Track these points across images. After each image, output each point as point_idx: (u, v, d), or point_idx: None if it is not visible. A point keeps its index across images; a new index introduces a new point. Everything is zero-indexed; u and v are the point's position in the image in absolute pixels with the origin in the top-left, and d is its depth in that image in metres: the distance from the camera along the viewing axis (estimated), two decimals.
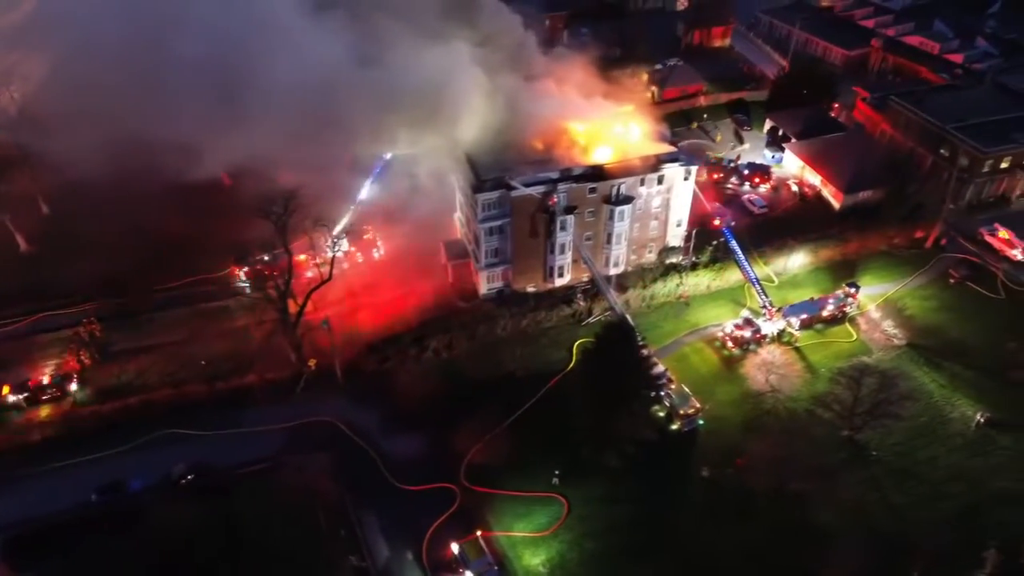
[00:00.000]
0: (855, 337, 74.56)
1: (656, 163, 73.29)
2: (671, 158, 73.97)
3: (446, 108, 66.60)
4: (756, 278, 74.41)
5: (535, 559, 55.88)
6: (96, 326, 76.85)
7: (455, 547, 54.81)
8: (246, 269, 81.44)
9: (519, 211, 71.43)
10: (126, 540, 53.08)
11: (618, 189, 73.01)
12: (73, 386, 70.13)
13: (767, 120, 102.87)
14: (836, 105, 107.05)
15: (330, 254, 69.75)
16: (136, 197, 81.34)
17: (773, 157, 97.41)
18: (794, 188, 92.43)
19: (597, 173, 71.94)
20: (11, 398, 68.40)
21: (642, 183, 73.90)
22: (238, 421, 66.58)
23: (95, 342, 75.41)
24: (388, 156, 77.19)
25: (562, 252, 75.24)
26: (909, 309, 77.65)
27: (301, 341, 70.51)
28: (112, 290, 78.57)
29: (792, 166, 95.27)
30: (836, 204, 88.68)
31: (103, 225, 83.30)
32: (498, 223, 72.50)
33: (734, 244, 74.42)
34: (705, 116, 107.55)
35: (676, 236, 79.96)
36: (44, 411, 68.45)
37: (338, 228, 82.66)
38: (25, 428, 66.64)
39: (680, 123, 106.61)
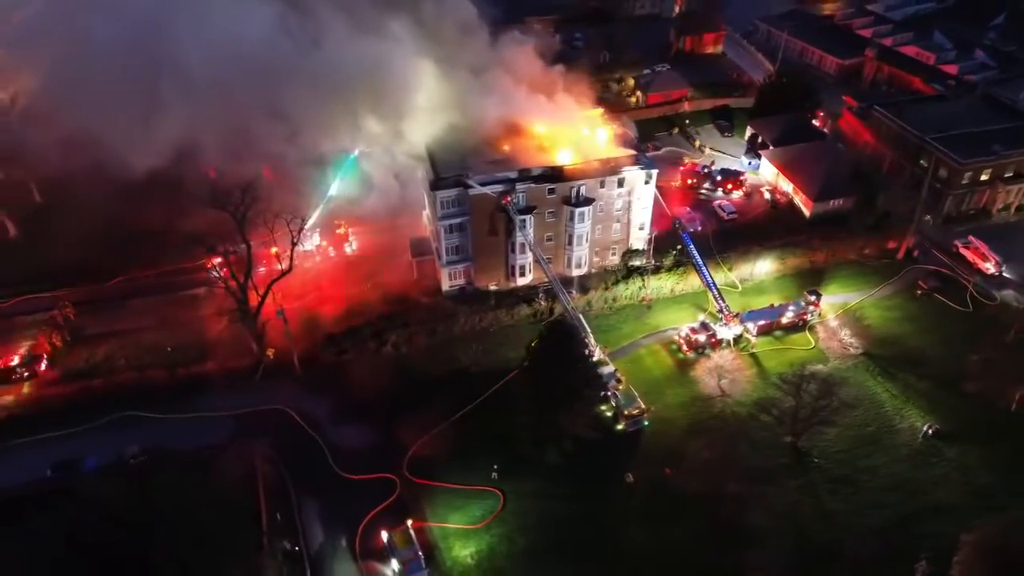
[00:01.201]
0: (813, 345, 74.46)
1: (616, 166, 73.84)
2: (631, 161, 74.44)
3: (385, 98, 67.73)
4: (713, 282, 74.56)
5: (464, 551, 56.79)
6: (70, 310, 79.51)
7: (384, 535, 55.93)
8: (219, 260, 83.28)
9: (478, 210, 72.47)
10: (67, 516, 54.47)
11: (578, 191, 73.74)
12: (42, 367, 72.55)
13: (748, 127, 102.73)
14: (821, 114, 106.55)
15: (290, 246, 71.15)
16: (121, 188, 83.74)
17: (750, 164, 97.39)
18: (766, 195, 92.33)
19: (556, 174, 72.74)
20: None
21: (602, 185, 74.54)
22: (196, 406, 68.41)
23: (68, 325, 77.98)
24: (355, 152, 78.60)
25: (522, 251, 76.02)
26: (869, 319, 77.30)
27: (262, 331, 72.22)
28: (87, 277, 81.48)
29: (768, 173, 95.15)
30: (807, 212, 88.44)
31: (89, 214, 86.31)
32: (458, 221, 73.62)
33: (692, 248, 74.63)
34: (688, 122, 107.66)
35: (639, 239, 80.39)
36: (12, 390, 70.96)
37: (309, 222, 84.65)
38: None
39: (663, 128, 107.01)
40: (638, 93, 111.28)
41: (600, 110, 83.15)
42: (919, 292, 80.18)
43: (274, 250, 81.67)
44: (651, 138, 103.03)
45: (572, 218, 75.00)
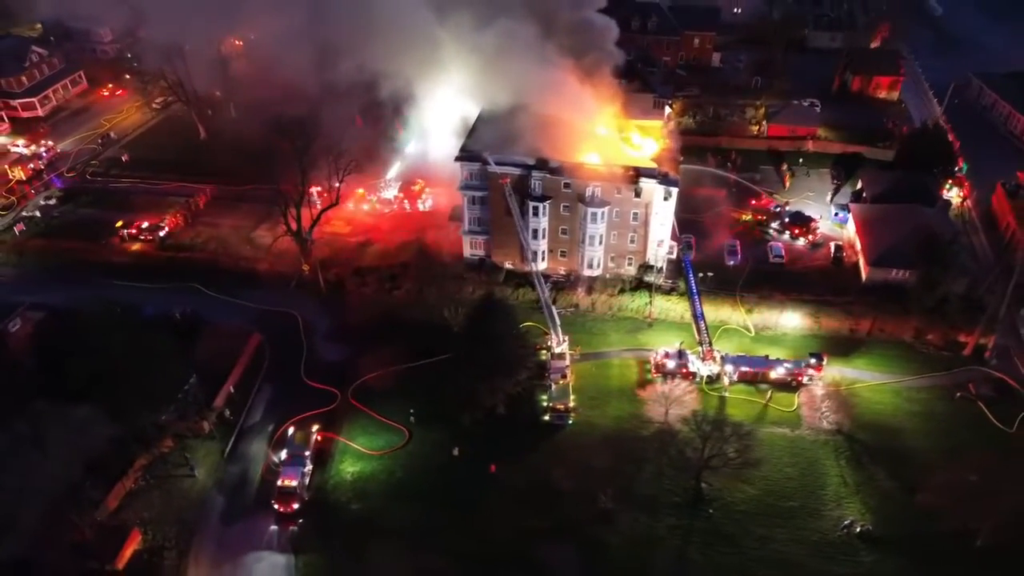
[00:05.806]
0: (794, 408, 69.13)
1: (634, 176, 74.16)
2: (650, 174, 74.14)
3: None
4: (702, 314, 72.28)
5: (350, 468, 64.17)
6: (203, 199, 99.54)
7: (290, 431, 65.16)
8: (318, 189, 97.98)
9: (496, 187, 77.50)
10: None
11: (593, 191, 75.49)
12: (160, 235, 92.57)
13: (859, 178, 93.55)
14: (966, 182, 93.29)
15: (337, 182, 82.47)
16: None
17: (836, 215, 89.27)
18: (832, 249, 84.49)
19: (571, 169, 75.10)
20: (121, 231, 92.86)
21: (618, 192, 75.32)
22: (238, 294, 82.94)
23: (195, 210, 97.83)
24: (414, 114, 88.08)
25: (534, 238, 79.31)
26: (880, 403, 69.35)
27: (310, 249, 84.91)
28: (229, 178, 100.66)
29: (852, 229, 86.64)
30: (864, 276, 79.85)
31: (255, 133, 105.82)
32: (479, 194, 79.40)
33: (689, 274, 72.88)
34: (800, 161, 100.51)
35: (657, 256, 79.48)
36: (134, 246, 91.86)
37: (390, 174, 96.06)
38: (118, 254, 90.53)
39: (769, 161, 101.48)
40: (764, 122, 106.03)
41: (660, 123, 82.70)
42: (959, 394, 69.74)
43: (360, 191, 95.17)
44: (753, 169, 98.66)
45: (586, 217, 76.86)
